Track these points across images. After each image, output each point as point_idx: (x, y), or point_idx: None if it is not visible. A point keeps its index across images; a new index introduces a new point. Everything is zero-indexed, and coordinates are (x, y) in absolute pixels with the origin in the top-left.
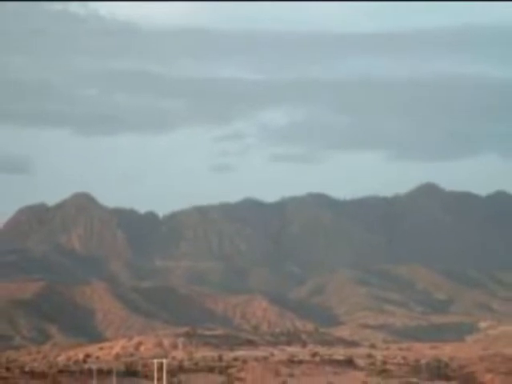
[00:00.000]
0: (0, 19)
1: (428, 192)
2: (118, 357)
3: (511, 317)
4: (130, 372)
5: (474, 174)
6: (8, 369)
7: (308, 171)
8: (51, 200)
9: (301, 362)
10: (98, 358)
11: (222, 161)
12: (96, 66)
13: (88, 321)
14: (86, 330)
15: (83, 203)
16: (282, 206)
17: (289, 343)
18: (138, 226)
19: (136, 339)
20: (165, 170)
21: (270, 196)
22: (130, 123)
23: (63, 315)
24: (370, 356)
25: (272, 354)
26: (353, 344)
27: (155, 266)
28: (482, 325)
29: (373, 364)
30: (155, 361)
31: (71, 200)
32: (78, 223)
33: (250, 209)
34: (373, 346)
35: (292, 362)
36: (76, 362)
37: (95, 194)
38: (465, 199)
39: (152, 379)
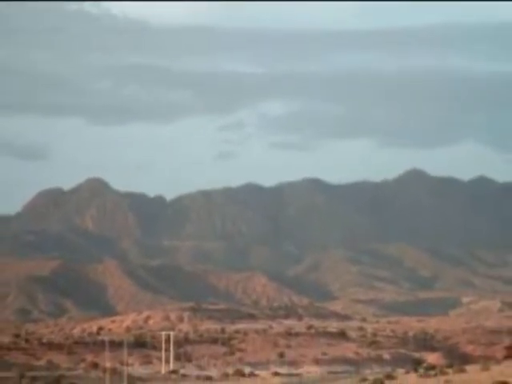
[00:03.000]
0: (22, 17)
1: (414, 177)
2: (128, 329)
3: (491, 292)
4: (140, 343)
5: (457, 161)
6: (27, 340)
7: (303, 158)
8: (67, 184)
9: (297, 334)
10: (110, 330)
11: (225, 148)
12: (108, 60)
13: (101, 296)
14: (98, 304)
15: (97, 187)
16: (279, 190)
17: (286, 317)
18: (147, 209)
19: (145, 313)
20: (172, 156)
21: (268, 181)
22: (140, 114)
23: (78, 291)
24: (361, 329)
25: (271, 327)
26: (345, 318)
27: (163, 246)
28: (465, 300)
29: (364, 336)
30: (163, 333)
31: (85, 184)
32: (91, 206)
33: (251, 193)
34: (364, 320)
35: (289, 334)
36: (90, 334)
37: (108, 179)
38: (448, 184)
39: (160, 350)
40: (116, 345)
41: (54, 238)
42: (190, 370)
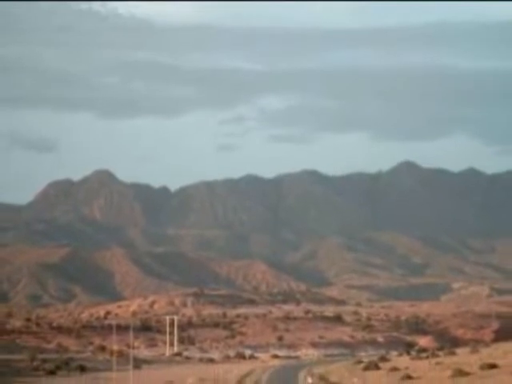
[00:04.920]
0: (33, 17)
1: (407, 169)
2: (134, 314)
3: (480, 278)
4: (145, 327)
5: (447, 153)
6: (38, 324)
7: (302, 150)
8: (76, 175)
9: (295, 318)
10: (116, 314)
11: (226, 141)
12: (116, 57)
13: (108, 282)
14: (106, 290)
15: (104, 179)
16: (278, 182)
17: (285, 302)
18: (152, 199)
19: (150, 298)
20: (176, 149)
21: (268, 172)
22: (145, 108)
23: (86, 277)
24: (356, 313)
25: (270, 312)
26: (341, 302)
27: (167, 234)
28: (455, 286)
29: (358, 320)
30: (167, 317)
31: (93, 176)
32: (99, 196)
33: (251, 184)
34: (358, 305)
35: (288, 318)
36: (97, 319)
37: (115, 171)
38: (439, 175)
39: (164, 333)
40: (122, 329)
41: (64, 226)
42: (193, 352)
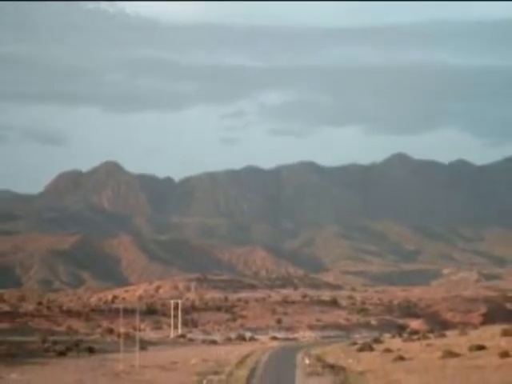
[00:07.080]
0: (44, 16)
1: (399, 160)
2: (140, 298)
3: (469, 265)
4: (151, 310)
5: (438, 145)
6: (49, 308)
7: (299, 143)
8: (85, 167)
9: (293, 302)
10: (123, 299)
11: (228, 134)
12: (122, 54)
13: (115, 268)
14: (113, 275)
15: (112, 170)
16: (277, 172)
17: (283, 286)
18: (157, 189)
19: (156, 283)
20: (180, 141)
21: (267, 164)
22: (150, 103)
23: (95, 263)
24: (351, 297)
25: (269, 296)
26: (337, 287)
27: (172, 222)
28: (445, 271)
29: (353, 304)
30: (172, 301)
31: (102, 167)
32: (107, 186)
33: (251, 174)
34: (353, 289)
35: (286, 302)
36: (105, 303)
37: (122, 162)
38: (430, 166)
39: (169, 316)
40: (129, 312)
41: (74, 215)
42: (197, 334)
